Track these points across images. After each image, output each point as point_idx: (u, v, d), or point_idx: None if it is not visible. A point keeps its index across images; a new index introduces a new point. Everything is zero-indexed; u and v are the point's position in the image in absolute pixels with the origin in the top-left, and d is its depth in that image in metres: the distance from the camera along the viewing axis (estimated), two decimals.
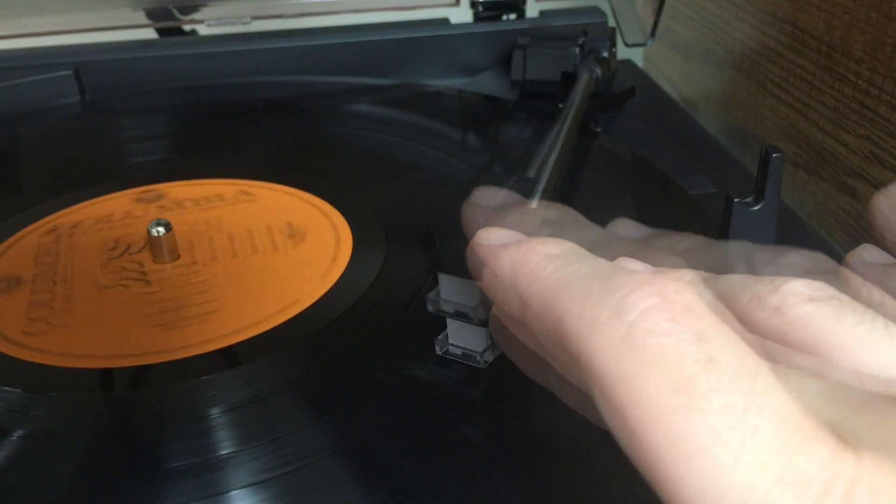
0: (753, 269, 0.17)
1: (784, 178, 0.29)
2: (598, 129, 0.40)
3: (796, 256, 0.17)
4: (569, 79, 0.41)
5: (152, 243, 0.30)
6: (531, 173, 0.25)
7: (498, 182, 0.22)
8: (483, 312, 0.22)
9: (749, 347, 0.11)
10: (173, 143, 0.43)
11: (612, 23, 0.50)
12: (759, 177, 0.28)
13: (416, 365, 0.24)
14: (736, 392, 0.10)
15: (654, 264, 0.16)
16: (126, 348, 0.26)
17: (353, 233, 0.31)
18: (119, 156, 0.41)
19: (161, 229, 0.30)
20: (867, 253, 0.18)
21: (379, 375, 0.24)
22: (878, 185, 0.36)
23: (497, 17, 0.52)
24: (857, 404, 0.11)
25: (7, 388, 0.24)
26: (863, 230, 0.38)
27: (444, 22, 0.53)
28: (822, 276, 0.17)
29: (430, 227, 0.31)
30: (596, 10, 0.52)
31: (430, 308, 0.23)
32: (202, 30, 0.53)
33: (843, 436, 0.10)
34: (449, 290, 0.22)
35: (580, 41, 0.43)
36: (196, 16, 0.52)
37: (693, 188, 0.35)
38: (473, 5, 0.52)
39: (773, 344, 0.13)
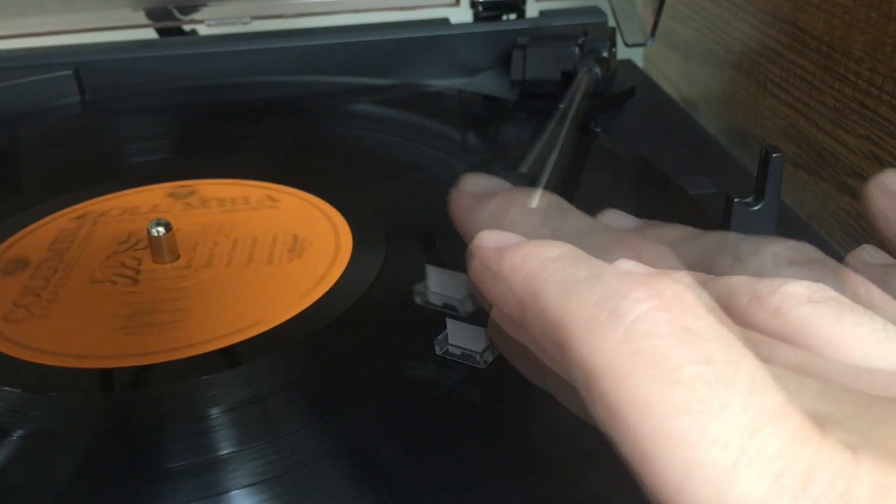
0: (739, 260, 0.17)
1: (784, 178, 0.29)
2: (598, 129, 0.40)
3: (781, 246, 0.17)
4: (569, 78, 0.41)
5: (151, 243, 0.30)
6: (523, 169, 0.25)
7: None
8: (471, 305, 0.22)
9: (747, 349, 0.11)
10: (210, 141, 0.43)
11: (612, 23, 0.50)
12: (759, 177, 0.28)
13: (416, 365, 0.24)
14: (734, 394, 0.10)
15: (642, 253, 0.16)
16: (88, 349, 0.25)
17: (353, 233, 0.31)
18: (150, 153, 0.41)
19: (161, 229, 0.30)
20: (867, 253, 0.18)
21: (379, 375, 0.24)
22: None
23: (497, 17, 0.52)
24: (856, 405, 0.11)
25: None
26: (863, 230, 0.38)
27: (444, 22, 0.53)
28: (810, 266, 0.17)
29: (430, 227, 0.31)
30: (596, 10, 0.52)
31: (417, 300, 0.23)
32: (202, 30, 0.53)
33: (842, 437, 0.10)
34: (436, 282, 0.22)
35: (580, 41, 0.43)
36: (196, 16, 0.52)
37: (693, 188, 0.35)
38: (473, 5, 0.52)
39: (772, 344, 0.13)
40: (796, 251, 0.17)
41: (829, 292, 0.13)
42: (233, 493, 0.20)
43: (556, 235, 0.17)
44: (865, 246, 0.18)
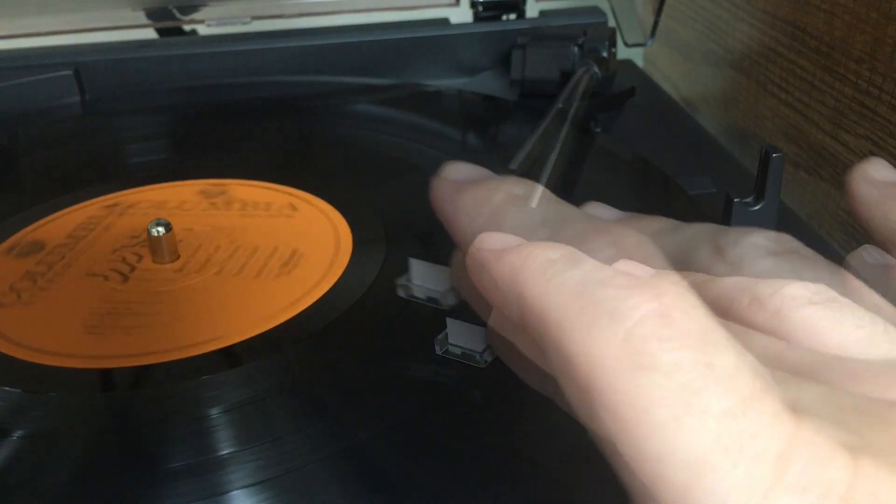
0: (719, 251, 0.17)
1: (784, 178, 0.29)
2: (598, 129, 0.40)
3: (760, 237, 0.17)
4: (568, 79, 0.41)
5: (151, 243, 0.30)
6: (513, 165, 0.25)
7: None
8: (453, 298, 0.22)
9: (747, 352, 0.11)
10: (247, 141, 0.42)
11: (611, 23, 0.50)
12: (759, 177, 0.28)
13: (416, 365, 0.24)
14: (735, 397, 0.10)
15: (620, 241, 0.16)
16: (47, 344, 0.25)
17: (353, 233, 0.31)
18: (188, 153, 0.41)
19: (161, 229, 0.30)
20: (868, 254, 0.18)
21: (379, 375, 0.24)
22: None
23: (497, 17, 0.52)
24: (856, 408, 0.11)
25: None
26: (863, 230, 0.38)
27: (444, 22, 0.53)
28: (788, 257, 0.17)
29: (430, 227, 0.31)
30: (596, 10, 0.52)
31: (401, 293, 0.23)
32: (202, 30, 0.53)
33: (842, 440, 0.10)
34: (420, 275, 0.22)
35: (580, 41, 0.43)
36: (196, 16, 0.51)
37: (693, 188, 0.35)
38: (473, 5, 0.52)
39: (771, 344, 0.13)
40: (775, 242, 0.17)
41: (830, 294, 0.13)
42: (233, 493, 0.20)
43: (536, 222, 0.17)
44: (866, 246, 0.18)
